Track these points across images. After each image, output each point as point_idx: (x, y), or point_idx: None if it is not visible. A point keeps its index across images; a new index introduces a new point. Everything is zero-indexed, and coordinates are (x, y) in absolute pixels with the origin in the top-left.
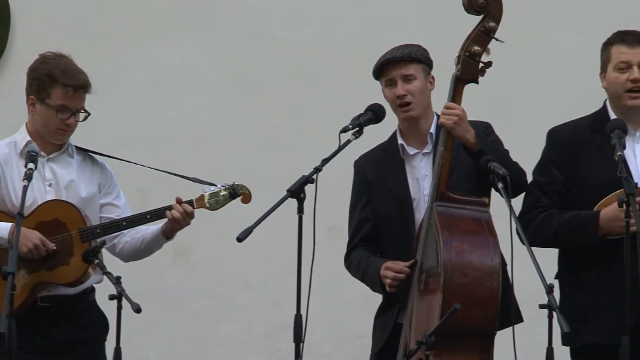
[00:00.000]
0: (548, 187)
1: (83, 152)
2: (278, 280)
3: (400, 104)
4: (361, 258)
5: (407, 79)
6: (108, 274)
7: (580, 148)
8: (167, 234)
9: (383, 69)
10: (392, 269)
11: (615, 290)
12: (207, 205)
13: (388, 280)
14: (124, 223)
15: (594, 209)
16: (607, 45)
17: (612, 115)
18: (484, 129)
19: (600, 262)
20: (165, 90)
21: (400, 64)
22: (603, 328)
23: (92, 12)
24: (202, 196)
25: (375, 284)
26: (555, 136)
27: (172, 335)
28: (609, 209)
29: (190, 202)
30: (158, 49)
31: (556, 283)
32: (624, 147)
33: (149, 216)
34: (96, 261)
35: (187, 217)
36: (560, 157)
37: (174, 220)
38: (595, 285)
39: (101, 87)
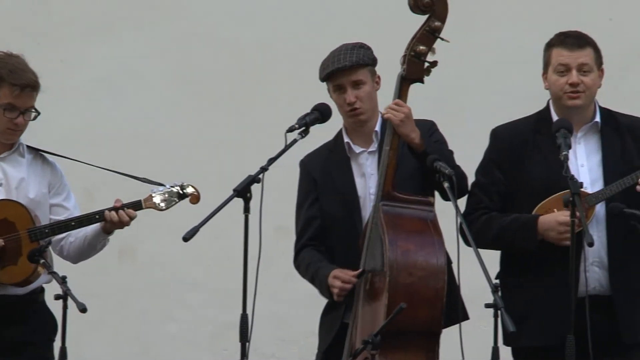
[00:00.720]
0: (490, 188)
1: (34, 151)
2: (224, 280)
3: (350, 110)
4: (310, 260)
5: (356, 84)
6: (54, 273)
7: (522, 148)
8: (107, 231)
9: (331, 76)
10: (340, 279)
11: (554, 293)
12: (156, 205)
13: (336, 290)
14: (73, 223)
15: (534, 211)
16: (549, 46)
17: (555, 116)
18: (428, 128)
19: (540, 264)
20: (111, 90)
21: (349, 70)
22: (540, 330)
23: (37, 11)
24: (151, 196)
25: (323, 289)
26: (498, 136)
27: (118, 335)
28: (548, 219)
29: (138, 203)
30: (104, 48)
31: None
32: (570, 147)
33: (97, 216)
34: (42, 261)
35: (127, 221)
36: (502, 157)
37: (112, 223)
38: (534, 287)
39: (46, 86)
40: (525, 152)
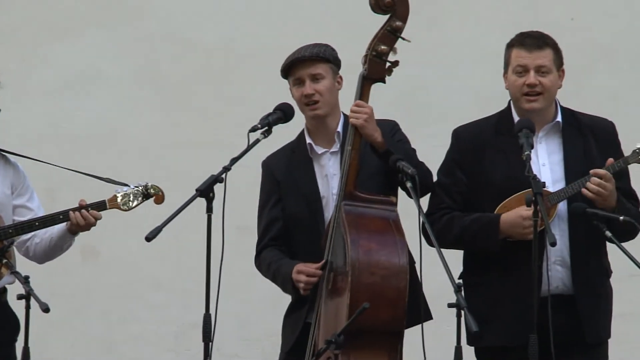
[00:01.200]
0: (451, 188)
1: None
2: (187, 280)
3: (308, 103)
4: (272, 259)
5: (315, 78)
6: (16, 273)
7: (483, 148)
8: (72, 232)
9: (291, 68)
10: (304, 272)
11: (517, 293)
12: (120, 205)
13: (302, 284)
14: (37, 223)
15: (495, 211)
16: (509, 47)
17: (515, 116)
18: (391, 128)
19: (502, 264)
20: (74, 89)
21: (308, 63)
22: (504, 330)
23: None
24: (115, 197)
25: (286, 286)
26: (459, 136)
27: (81, 335)
28: (510, 215)
29: (102, 203)
30: (67, 47)
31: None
32: (532, 147)
33: (61, 216)
34: (4, 261)
35: (92, 222)
36: (463, 157)
37: (77, 225)
38: (497, 287)
39: (9, 85)
40: (487, 153)
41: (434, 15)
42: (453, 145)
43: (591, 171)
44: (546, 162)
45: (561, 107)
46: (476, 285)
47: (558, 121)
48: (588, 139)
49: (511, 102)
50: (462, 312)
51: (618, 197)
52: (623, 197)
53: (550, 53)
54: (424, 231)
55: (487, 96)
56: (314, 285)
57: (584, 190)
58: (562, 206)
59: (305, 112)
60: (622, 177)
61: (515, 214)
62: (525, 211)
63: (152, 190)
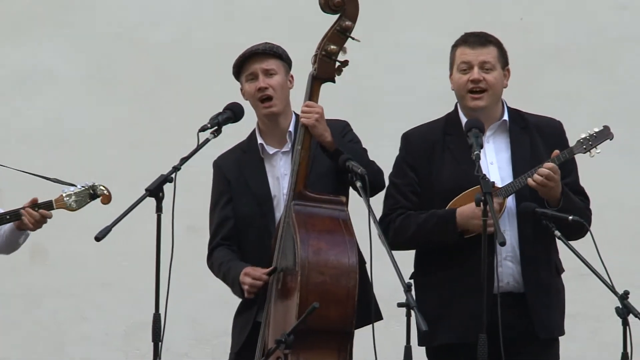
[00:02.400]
0: (405, 188)
1: None
2: (136, 280)
3: (262, 98)
4: (222, 259)
5: (269, 73)
6: None
7: (432, 151)
8: (21, 229)
9: (244, 63)
10: (250, 275)
11: (468, 290)
12: (67, 205)
13: (246, 287)
14: None
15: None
16: (453, 47)
17: (463, 117)
18: (342, 128)
19: (452, 262)
20: (22, 89)
21: (262, 57)
22: (456, 328)
23: None
24: (62, 197)
25: (235, 288)
26: (408, 140)
27: (29, 335)
28: (467, 207)
29: (49, 203)
30: (15, 47)
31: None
32: (482, 147)
33: (8, 217)
34: None
35: (42, 222)
36: (414, 160)
37: (26, 226)
38: (448, 285)
39: None
40: (436, 154)
41: (383, 16)
42: (403, 148)
43: (538, 170)
44: (494, 161)
45: (507, 107)
46: (427, 285)
47: (505, 120)
48: (535, 138)
49: (458, 103)
50: (412, 311)
51: (564, 189)
52: (572, 193)
53: (494, 50)
54: (378, 233)
55: (437, 96)
56: (264, 285)
57: (529, 181)
58: (512, 201)
59: (259, 109)
60: (570, 173)
61: (471, 205)
62: None
63: (98, 190)
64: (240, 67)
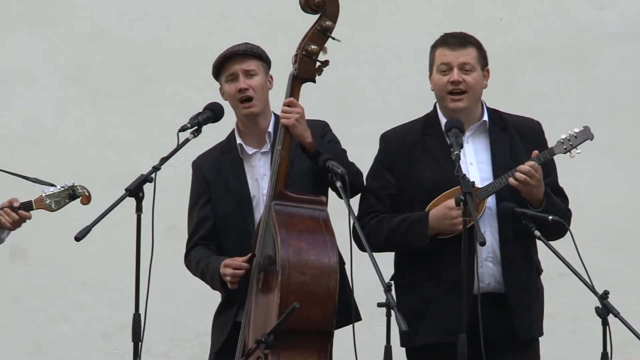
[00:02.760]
0: (380, 192)
1: None
2: (116, 280)
3: (242, 99)
4: (200, 256)
5: (249, 74)
6: None
7: (411, 150)
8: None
9: (225, 64)
10: (230, 266)
11: (448, 291)
12: (47, 206)
13: (228, 278)
14: None
15: (426, 210)
16: (433, 47)
17: (442, 117)
18: (321, 128)
19: (433, 262)
20: (1, 89)
21: (242, 58)
22: (437, 328)
23: None
24: (42, 197)
25: (215, 282)
26: (387, 140)
27: (9, 335)
28: (438, 208)
29: (29, 203)
30: None
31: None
32: (462, 147)
33: None
34: None
35: (21, 222)
36: (392, 161)
37: (4, 225)
38: (428, 285)
39: None
40: (415, 155)
41: (364, 16)
42: (381, 149)
43: (519, 167)
44: (474, 162)
45: (487, 107)
46: (408, 286)
47: (485, 120)
48: (515, 139)
49: (437, 103)
50: (392, 311)
51: (546, 191)
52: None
53: (474, 51)
54: (355, 236)
55: (417, 97)
56: (244, 285)
57: (510, 180)
58: (492, 202)
59: (238, 109)
60: (550, 174)
61: (442, 207)
62: (452, 202)
63: (78, 191)
64: (220, 68)
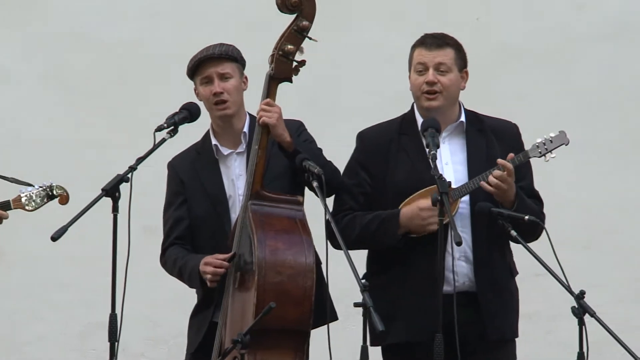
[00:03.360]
0: (355, 190)
1: None
2: (93, 280)
3: (217, 102)
4: (177, 255)
5: (224, 77)
6: None
7: (387, 149)
8: None
9: (199, 67)
10: (211, 264)
11: (420, 289)
12: (25, 206)
13: (208, 276)
14: None
15: (400, 208)
16: (412, 48)
17: (419, 117)
18: (297, 128)
19: (403, 261)
20: None
21: (217, 61)
22: (408, 327)
23: None
24: (19, 197)
25: (193, 280)
26: (363, 139)
27: None
28: (409, 208)
29: (7, 203)
30: None
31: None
32: (438, 146)
33: None
34: None
35: None
36: (368, 159)
37: None
38: (400, 284)
39: None
40: (391, 154)
41: (340, 16)
42: (357, 147)
43: (498, 160)
44: (449, 162)
45: (465, 109)
46: (379, 284)
47: (462, 121)
48: (491, 141)
49: (414, 103)
50: (368, 311)
51: (518, 192)
52: (526, 196)
53: (451, 52)
54: (330, 234)
55: (392, 97)
56: (221, 285)
57: (482, 184)
58: (466, 203)
59: (213, 111)
60: (525, 177)
61: (413, 206)
62: (424, 202)
63: (56, 191)
64: (195, 70)
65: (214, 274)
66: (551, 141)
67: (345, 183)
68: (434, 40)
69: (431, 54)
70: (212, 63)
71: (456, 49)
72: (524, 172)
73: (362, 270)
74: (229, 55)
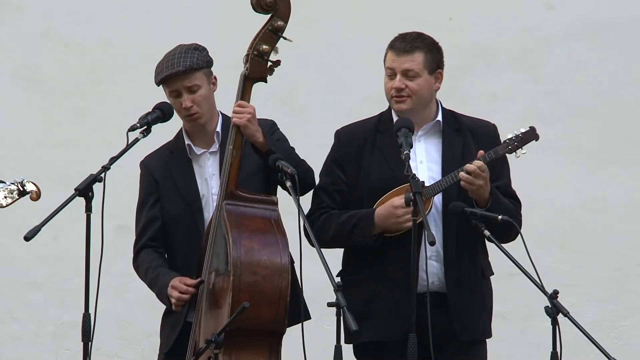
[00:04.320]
0: (331, 188)
1: None
2: (66, 279)
3: (188, 115)
4: (149, 264)
5: (192, 90)
6: None
7: (363, 148)
8: None
9: (166, 81)
10: (177, 289)
11: (392, 288)
12: None
13: (174, 300)
14: None
15: (374, 207)
16: (386, 49)
17: (395, 116)
18: (269, 127)
19: (377, 260)
20: None
21: (183, 75)
22: (380, 326)
23: None
24: None
25: (162, 297)
26: (340, 137)
27: None
28: (383, 207)
29: None
30: None
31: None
32: (411, 146)
33: None
34: None
35: None
36: (343, 157)
37: None
38: (373, 283)
39: None
40: (366, 152)
41: (313, 15)
42: (334, 145)
43: (465, 166)
44: (424, 160)
45: (442, 107)
46: (353, 282)
47: (438, 120)
48: (467, 140)
49: None
50: (342, 310)
51: (493, 191)
52: (503, 196)
53: (420, 57)
54: (305, 231)
55: (366, 96)
56: (190, 299)
57: (460, 175)
58: (439, 201)
59: (184, 120)
60: (501, 176)
61: (387, 205)
62: (398, 200)
63: (27, 187)
64: (161, 83)
65: (179, 299)
66: (521, 137)
67: (321, 180)
68: (403, 45)
69: (399, 60)
70: (178, 78)
71: (427, 51)
72: (499, 172)
73: (337, 269)
74: (195, 67)
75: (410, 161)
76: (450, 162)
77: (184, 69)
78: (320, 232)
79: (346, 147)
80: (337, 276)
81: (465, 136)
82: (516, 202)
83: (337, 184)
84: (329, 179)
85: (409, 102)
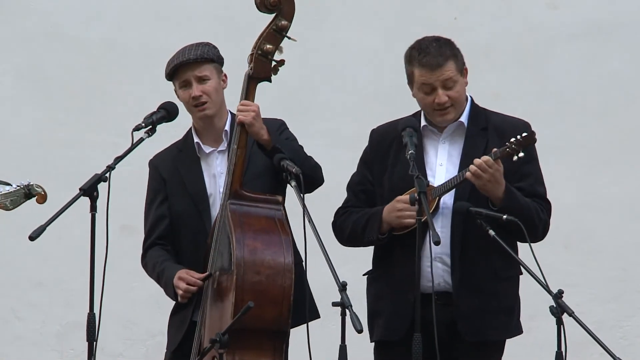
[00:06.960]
0: (357, 187)
1: None
2: (71, 279)
3: (196, 104)
4: (157, 259)
5: (202, 79)
6: None
7: (390, 148)
8: None
9: (176, 72)
10: (184, 280)
11: (396, 288)
12: (2, 205)
13: (180, 292)
14: None
15: None
16: (410, 64)
17: (423, 116)
18: (278, 127)
19: (385, 259)
20: None
21: (194, 65)
22: (387, 324)
23: None
24: None
25: (168, 290)
26: (371, 137)
27: None
28: (389, 204)
29: None
30: None
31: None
32: (416, 145)
33: None
34: None
35: None
36: (371, 158)
37: None
38: (381, 282)
39: None
40: (393, 152)
41: (319, 15)
42: (367, 145)
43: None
44: (444, 163)
45: (472, 105)
46: (371, 280)
47: (462, 122)
48: (493, 140)
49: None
50: (347, 310)
51: (508, 189)
52: (528, 196)
53: (452, 64)
54: (333, 229)
55: (370, 95)
56: (197, 291)
57: (460, 175)
58: (449, 201)
59: (193, 113)
60: (525, 177)
61: (393, 201)
62: (402, 196)
63: (34, 190)
64: (172, 74)
65: (186, 290)
66: (521, 141)
67: (351, 179)
68: (433, 60)
69: (435, 75)
70: (189, 67)
71: (453, 56)
72: (524, 173)
73: (341, 269)
74: (206, 58)
75: (429, 162)
76: (469, 164)
77: (194, 57)
78: (340, 230)
79: (375, 147)
80: (363, 275)
81: (491, 136)
82: (542, 202)
83: (363, 183)
84: (357, 178)
85: (452, 111)
